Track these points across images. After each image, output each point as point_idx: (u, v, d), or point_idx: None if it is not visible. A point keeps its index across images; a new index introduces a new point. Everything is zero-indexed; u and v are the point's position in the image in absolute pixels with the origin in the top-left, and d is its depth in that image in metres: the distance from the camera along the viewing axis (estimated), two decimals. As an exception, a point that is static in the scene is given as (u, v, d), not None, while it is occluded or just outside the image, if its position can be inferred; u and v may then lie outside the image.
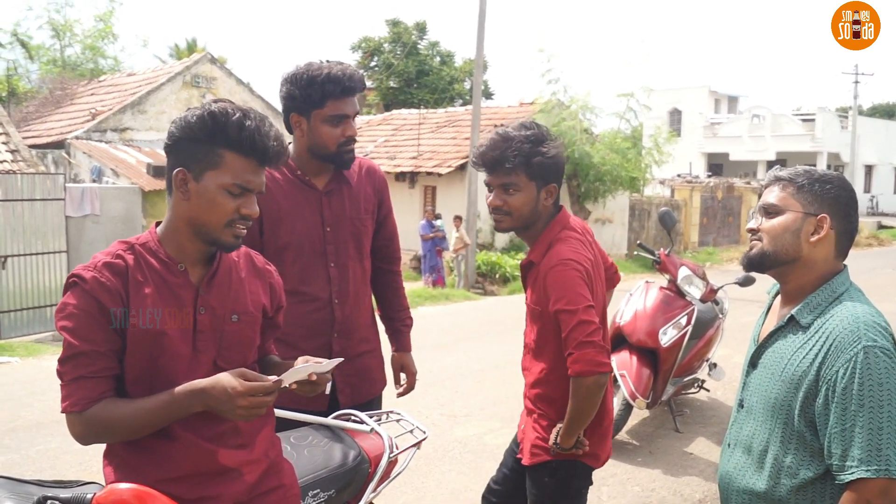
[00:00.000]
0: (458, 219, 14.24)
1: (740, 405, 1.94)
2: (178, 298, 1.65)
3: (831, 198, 1.80)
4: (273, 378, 1.59)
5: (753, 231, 1.88)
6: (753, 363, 1.91)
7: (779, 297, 1.95)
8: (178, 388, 1.59)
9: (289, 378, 1.63)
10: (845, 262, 1.87)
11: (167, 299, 1.64)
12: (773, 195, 1.85)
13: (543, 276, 2.27)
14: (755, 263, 1.88)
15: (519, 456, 2.52)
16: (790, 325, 1.83)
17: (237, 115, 1.60)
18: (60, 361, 1.58)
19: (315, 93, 2.36)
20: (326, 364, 1.69)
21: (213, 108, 1.61)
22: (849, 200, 1.83)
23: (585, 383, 2.17)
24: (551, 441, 2.32)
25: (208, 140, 1.60)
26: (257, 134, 1.61)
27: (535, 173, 2.26)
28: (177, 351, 1.64)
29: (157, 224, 1.72)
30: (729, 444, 1.96)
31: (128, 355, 1.60)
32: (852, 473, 1.62)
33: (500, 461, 2.69)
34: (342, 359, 1.76)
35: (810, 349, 1.74)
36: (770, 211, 1.85)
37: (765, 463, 1.81)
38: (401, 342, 2.79)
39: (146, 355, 1.62)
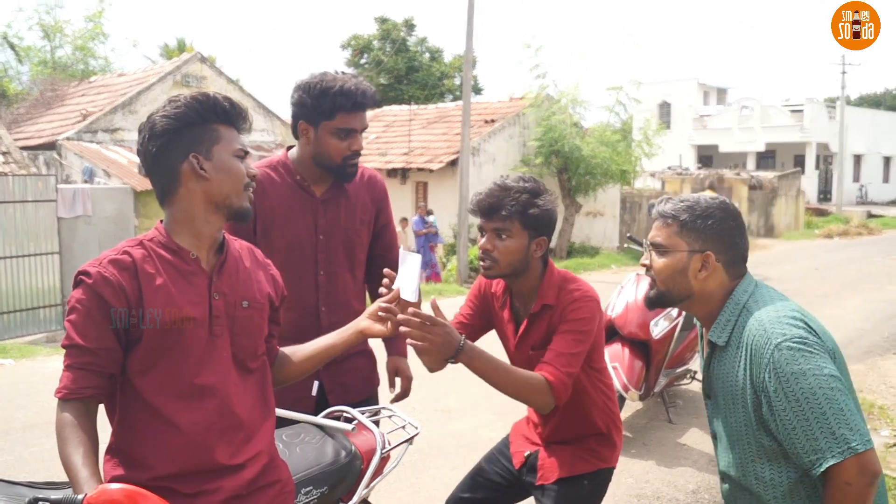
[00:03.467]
0: (403, 220, 14.70)
1: (714, 436, 1.98)
2: (192, 285, 1.70)
3: (713, 233, 1.85)
4: None
5: (647, 267, 1.93)
6: (707, 394, 1.96)
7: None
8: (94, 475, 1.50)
9: (401, 275, 1.91)
10: (743, 272, 1.91)
11: (182, 287, 1.68)
12: (659, 233, 1.91)
13: (564, 309, 2.27)
14: (655, 303, 1.95)
15: (540, 484, 2.44)
16: (715, 350, 1.88)
17: (211, 95, 1.75)
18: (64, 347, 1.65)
19: (326, 104, 2.37)
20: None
21: (191, 95, 1.74)
22: (733, 229, 1.87)
23: (549, 391, 2.16)
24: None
25: (202, 121, 1.72)
26: (234, 104, 1.77)
27: (529, 223, 2.26)
28: (194, 338, 1.67)
29: (161, 222, 1.77)
30: (720, 476, 2.00)
31: (141, 347, 1.63)
32: (821, 465, 1.65)
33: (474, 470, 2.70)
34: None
35: (737, 365, 1.80)
36: (658, 249, 1.90)
37: (751, 485, 1.85)
38: (396, 346, 2.72)
39: (160, 346, 1.64)
